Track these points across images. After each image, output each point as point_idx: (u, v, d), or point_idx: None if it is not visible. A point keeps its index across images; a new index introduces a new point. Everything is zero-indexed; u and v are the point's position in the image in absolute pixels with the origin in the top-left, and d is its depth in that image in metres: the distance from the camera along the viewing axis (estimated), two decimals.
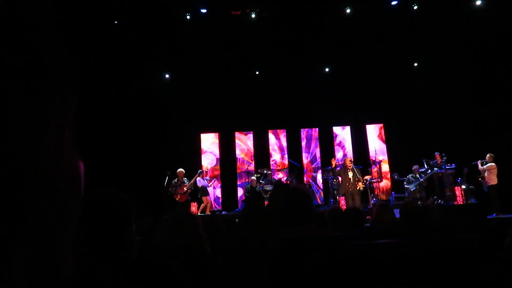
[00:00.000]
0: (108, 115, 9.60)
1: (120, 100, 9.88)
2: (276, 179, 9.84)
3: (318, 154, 11.32)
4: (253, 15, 9.78)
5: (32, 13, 0.26)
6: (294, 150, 11.29)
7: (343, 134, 11.50)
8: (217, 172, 11.07)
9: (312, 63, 10.68)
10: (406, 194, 9.00)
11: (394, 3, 9.73)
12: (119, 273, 1.03)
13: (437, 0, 9.33)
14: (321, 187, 11.04)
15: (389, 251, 1.06)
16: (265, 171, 9.68)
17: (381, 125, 11.41)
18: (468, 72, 9.63)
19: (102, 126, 9.33)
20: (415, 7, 9.63)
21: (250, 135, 11.42)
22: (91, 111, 8.67)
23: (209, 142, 11.29)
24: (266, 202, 5.83)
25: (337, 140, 11.47)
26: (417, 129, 10.35)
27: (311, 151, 11.40)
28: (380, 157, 10.58)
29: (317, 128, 11.44)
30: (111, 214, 1.07)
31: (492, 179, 8.12)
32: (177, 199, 8.79)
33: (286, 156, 11.29)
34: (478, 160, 8.42)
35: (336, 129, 11.49)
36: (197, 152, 11.09)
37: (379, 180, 9.51)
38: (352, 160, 8.72)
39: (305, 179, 11.08)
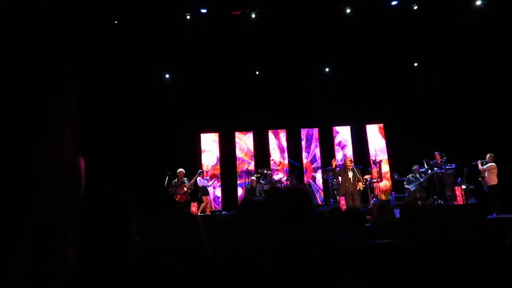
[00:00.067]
0: (108, 115, 9.60)
1: (120, 100, 9.89)
2: (276, 179, 9.84)
3: (318, 154, 11.31)
4: (253, 15, 9.79)
5: (32, 13, 0.27)
6: (294, 150, 11.29)
7: (343, 134, 11.50)
8: (217, 172, 11.07)
9: (312, 63, 10.69)
10: (406, 194, 8.99)
11: (394, 3, 9.74)
12: (119, 273, 1.03)
13: (437, 0, 9.34)
14: (321, 187, 11.04)
15: (389, 251, 1.06)
16: (265, 171, 9.68)
17: (381, 125, 11.42)
18: (468, 72, 9.63)
19: (102, 126, 9.33)
20: (415, 7, 9.64)
21: (250, 135, 11.42)
22: (91, 111, 8.67)
23: (209, 142, 11.30)
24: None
25: (337, 140, 11.47)
26: (417, 129, 10.36)
27: (311, 151, 11.39)
28: (380, 157, 10.57)
29: (317, 128, 11.44)
30: (111, 214, 1.07)
31: (492, 179, 8.12)
32: (177, 199, 8.79)
33: (286, 156, 11.29)
34: (478, 160, 8.42)
35: (336, 129, 11.49)
36: (197, 152, 11.09)
37: (379, 180, 9.50)
38: (352, 160, 8.71)
39: (305, 179, 11.08)
